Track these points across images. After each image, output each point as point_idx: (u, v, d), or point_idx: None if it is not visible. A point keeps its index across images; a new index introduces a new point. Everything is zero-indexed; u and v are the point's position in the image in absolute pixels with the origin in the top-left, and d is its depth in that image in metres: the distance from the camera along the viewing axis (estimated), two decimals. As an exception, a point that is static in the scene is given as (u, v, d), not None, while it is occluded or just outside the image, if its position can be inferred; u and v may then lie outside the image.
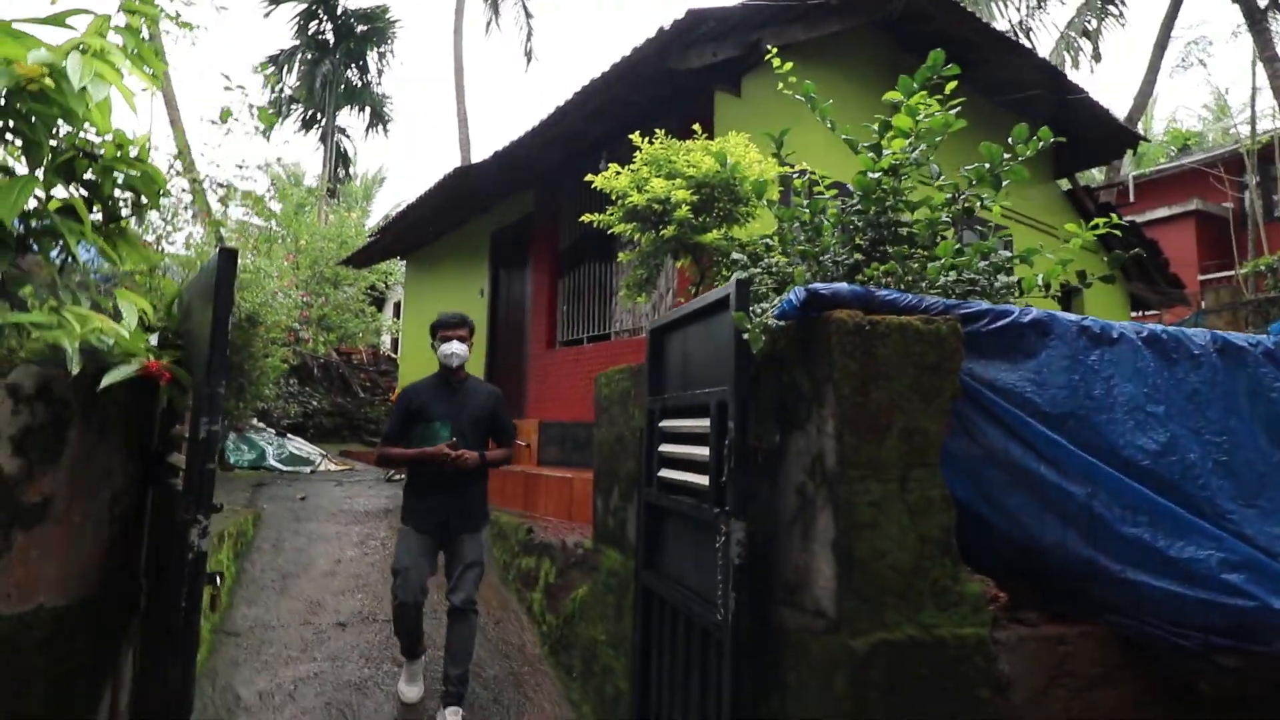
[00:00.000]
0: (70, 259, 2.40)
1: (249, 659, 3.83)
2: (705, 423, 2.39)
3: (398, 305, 17.26)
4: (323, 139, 18.37)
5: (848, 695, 1.89)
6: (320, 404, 12.42)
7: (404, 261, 12.08)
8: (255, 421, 8.87)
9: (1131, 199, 14.41)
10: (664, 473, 2.78)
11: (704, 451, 2.41)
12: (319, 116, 19.23)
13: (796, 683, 2.09)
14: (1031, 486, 2.15)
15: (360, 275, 14.36)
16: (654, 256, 3.63)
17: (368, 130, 19.32)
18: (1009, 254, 2.69)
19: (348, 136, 19.84)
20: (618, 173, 3.74)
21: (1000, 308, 2.26)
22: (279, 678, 3.68)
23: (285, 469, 7.84)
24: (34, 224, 2.32)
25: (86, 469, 2.14)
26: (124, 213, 2.65)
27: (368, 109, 19.09)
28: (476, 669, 3.90)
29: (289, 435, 8.50)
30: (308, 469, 7.96)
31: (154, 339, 2.43)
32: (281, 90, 17.75)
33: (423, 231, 9.41)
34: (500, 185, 7.57)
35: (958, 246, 2.37)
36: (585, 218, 3.71)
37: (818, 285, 2.11)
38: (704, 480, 2.38)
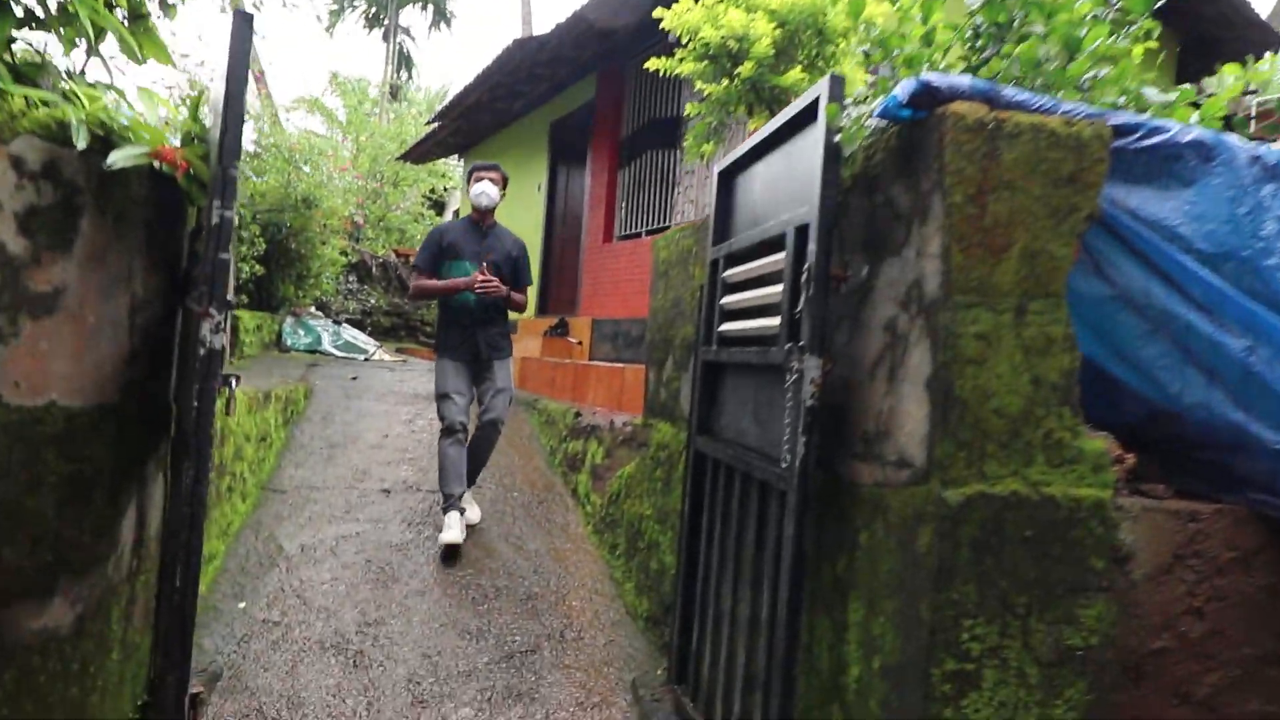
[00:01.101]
0: (91, 46, 2.19)
1: (293, 514, 3.80)
2: (778, 258, 2.08)
3: (456, 212, 17.16)
4: (385, 37, 17.97)
5: (932, 553, 1.62)
6: (378, 303, 12.50)
7: (461, 161, 11.81)
8: (313, 309, 8.92)
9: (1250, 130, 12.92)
10: (726, 326, 2.50)
11: (775, 290, 2.11)
12: (381, 16, 18.79)
13: (870, 542, 1.83)
14: (1174, 336, 1.78)
15: (419, 178, 14.20)
16: (726, 104, 3.24)
17: (430, 28, 18.81)
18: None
19: (410, 37, 19.39)
20: (689, 8, 3.32)
21: (1155, 122, 1.84)
22: (321, 534, 3.65)
23: (340, 354, 7.88)
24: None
25: (101, 266, 1.98)
26: (149, 8, 2.42)
27: (430, 6, 18.53)
28: (517, 542, 3.80)
29: (345, 324, 8.53)
30: (361, 357, 7.98)
31: (177, 140, 2.23)
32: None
33: (480, 123, 9.07)
34: (562, 65, 7.14)
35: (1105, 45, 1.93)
36: (651, 63, 3.33)
37: (930, 75, 1.73)
38: (773, 323, 2.09)
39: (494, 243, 3.75)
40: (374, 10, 18.33)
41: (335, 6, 18.74)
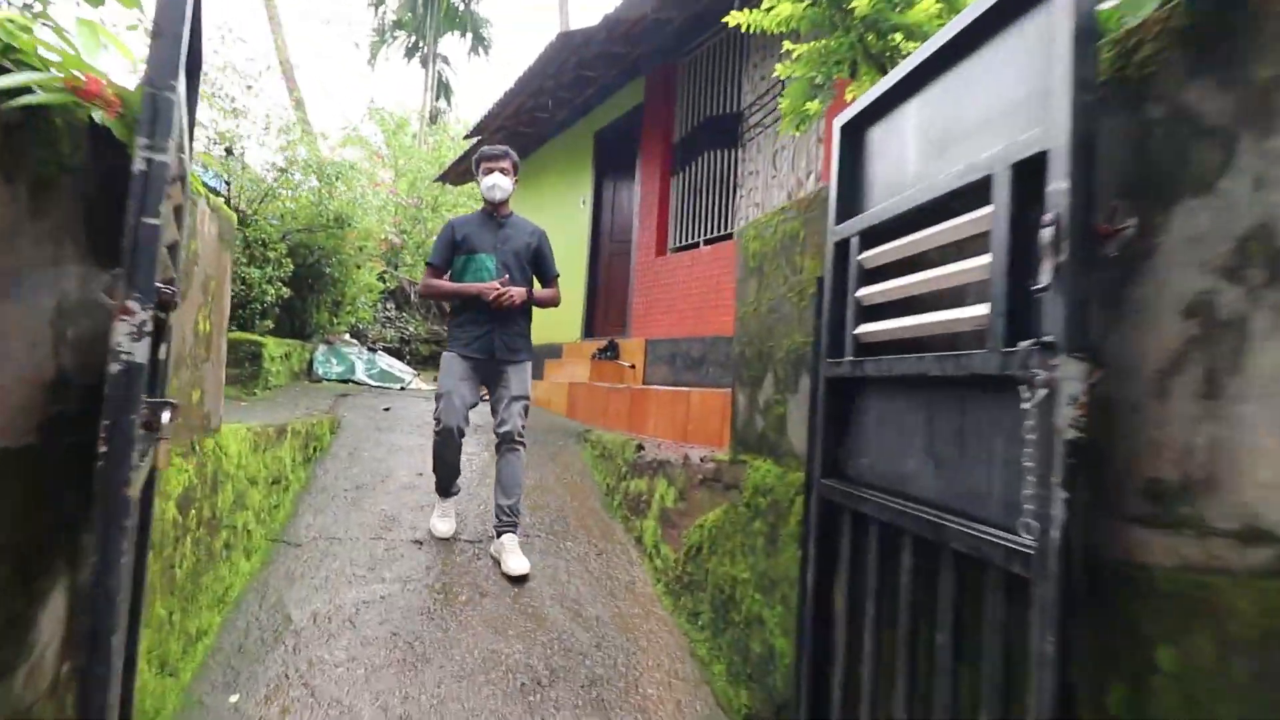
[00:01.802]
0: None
1: (307, 573, 3.18)
2: (977, 216, 1.39)
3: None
4: (423, 63, 17.91)
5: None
6: (417, 330, 12.08)
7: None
8: (347, 337, 8.46)
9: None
10: (867, 328, 1.80)
11: (970, 266, 1.41)
12: (420, 45, 18.77)
13: (1181, 666, 1.10)
14: None
15: (460, 202, 13.87)
16: (830, 59, 2.57)
17: (470, 53, 18.72)
18: None
19: (449, 64, 19.33)
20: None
21: None
22: (339, 599, 3.01)
23: (375, 384, 7.36)
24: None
25: (8, 251, 1.38)
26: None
27: (469, 33, 18.45)
28: (574, 606, 3.12)
29: (381, 352, 8.04)
30: (397, 386, 7.45)
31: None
32: (384, 13, 17.30)
33: (520, 136, 8.59)
34: (608, 65, 6.60)
35: None
36: (732, 17, 2.70)
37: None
38: (972, 313, 1.39)
39: (511, 233, 3.45)
40: (413, 39, 18.33)
41: (376, 38, 18.83)
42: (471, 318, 3.32)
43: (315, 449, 4.42)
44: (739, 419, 2.75)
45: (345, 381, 7.28)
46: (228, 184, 5.68)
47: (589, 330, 7.90)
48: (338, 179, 6.67)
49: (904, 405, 1.66)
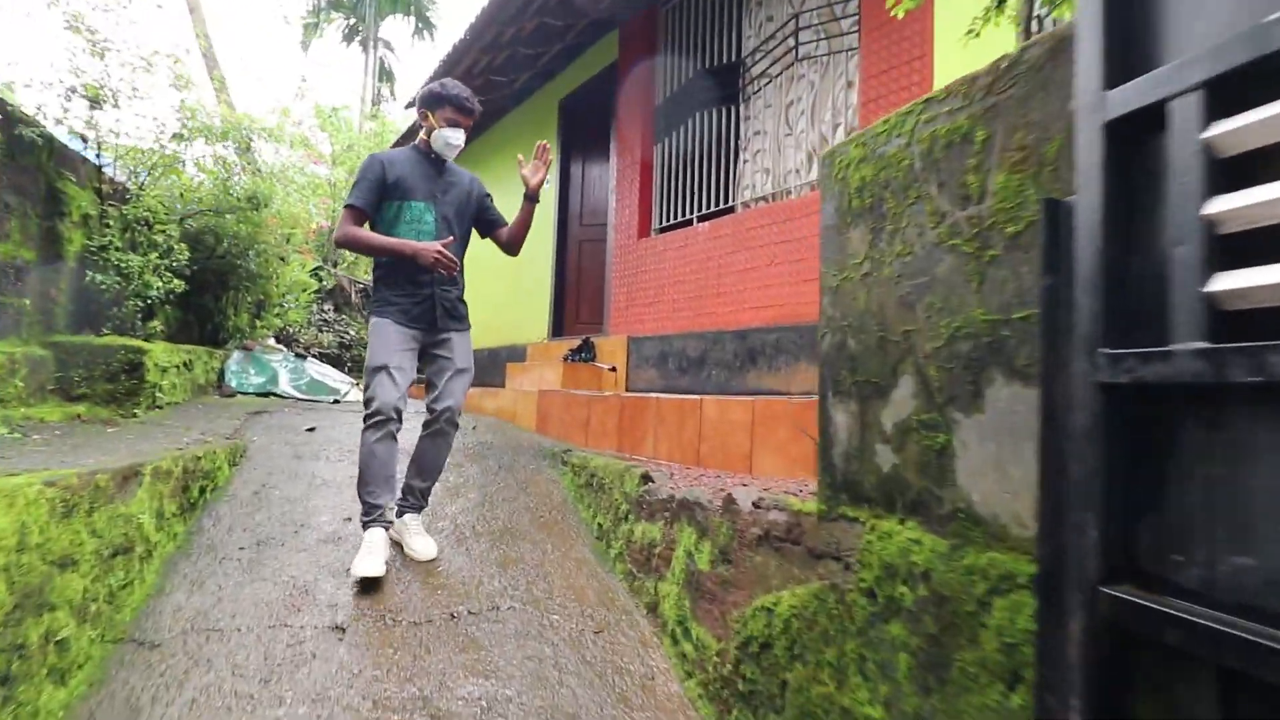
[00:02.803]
0: None
1: (162, 697, 2.07)
2: None
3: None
4: (364, 46, 16.53)
5: None
6: (360, 334, 10.80)
7: (452, 165, 10.18)
8: (272, 342, 7.22)
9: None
10: (1241, 279, 0.82)
11: None
12: (359, 27, 17.39)
13: None
14: None
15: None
16: None
17: (413, 37, 17.37)
18: None
19: (391, 49, 17.96)
20: None
21: None
22: (206, 744, 1.92)
23: (302, 397, 6.16)
24: None
25: None
26: None
27: (412, 13, 17.12)
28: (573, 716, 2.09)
29: (311, 358, 6.83)
30: (329, 399, 6.26)
31: None
32: (317, -9, 15.87)
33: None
34: (575, 12, 5.56)
35: None
36: None
37: None
38: None
39: (452, 180, 2.91)
40: (352, 21, 16.93)
41: (312, 20, 17.35)
42: (409, 276, 2.78)
43: (204, 490, 3.27)
44: (836, 449, 1.75)
45: (265, 395, 6.07)
46: (97, 150, 4.45)
47: (558, 329, 6.84)
48: (252, 141, 5.45)
49: None
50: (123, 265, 4.34)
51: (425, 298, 2.80)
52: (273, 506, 3.36)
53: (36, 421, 3.67)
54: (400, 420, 2.72)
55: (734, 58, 4.93)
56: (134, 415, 4.22)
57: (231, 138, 5.29)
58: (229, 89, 12.05)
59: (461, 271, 2.96)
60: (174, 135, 5.04)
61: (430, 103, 2.79)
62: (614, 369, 5.50)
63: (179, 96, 4.95)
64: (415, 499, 3.00)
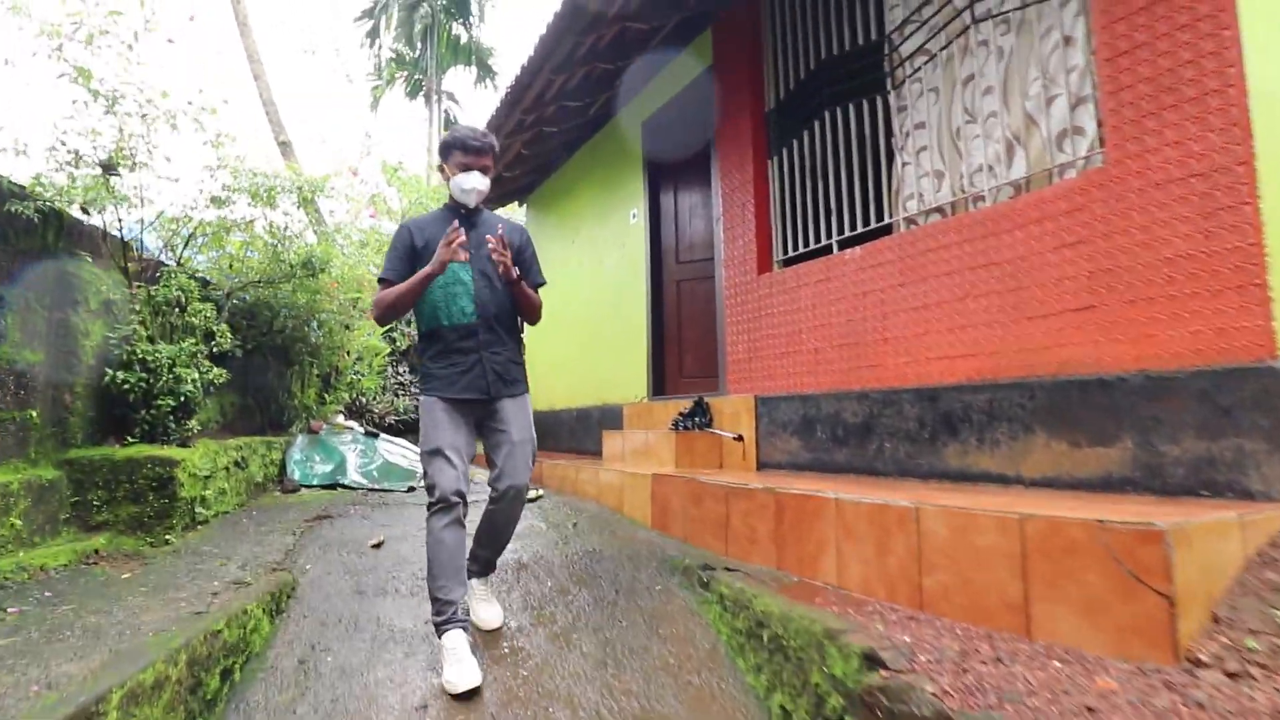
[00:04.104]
0: None
1: None
2: None
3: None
4: (426, 98, 16.31)
5: None
6: (437, 396, 10.13)
7: (523, 207, 9.45)
8: (341, 419, 6.48)
9: None
10: None
11: None
12: (422, 83, 17.26)
13: None
14: None
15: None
16: None
17: (476, 84, 17.10)
18: None
19: (455, 101, 17.75)
20: None
21: None
22: None
23: (373, 487, 5.32)
24: None
25: None
26: None
27: (474, 63, 16.86)
28: None
29: (382, 435, 6.05)
30: (403, 486, 5.39)
31: None
32: (379, 48, 15.78)
33: (540, 143, 6.66)
34: (658, 13, 4.64)
35: None
36: None
37: None
38: None
39: (485, 232, 2.62)
40: (416, 78, 16.82)
41: (375, 78, 17.36)
42: (452, 345, 2.60)
43: (228, 674, 2.36)
44: None
45: (332, 486, 5.26)
46: (119, 223, 3.74)
47: (658, 386, 5.82)
48: (314, 197, 4.71)
49: None
50: (149, 359, 3.59)
51: (472, 364, 2.57)
52: (322, 689, 2.41)
53: (34, 571, 2.88)
54: (465, 503, 2.50)
55: (873, 36, 3.87)
56: (166, 542, 3.41)
57: (279, 196, 4.56)
58: (294, 151, 11.81)
59: (513, 331, 2.70)
60: (213, 199, 4.35)
61: (442, 154, 2.68)
62: (740, 438, 4.43)
63: (216, 152, 4.24)
64: (481, 566, 2.83)
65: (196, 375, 3.77)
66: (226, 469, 4.17)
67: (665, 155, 5.84)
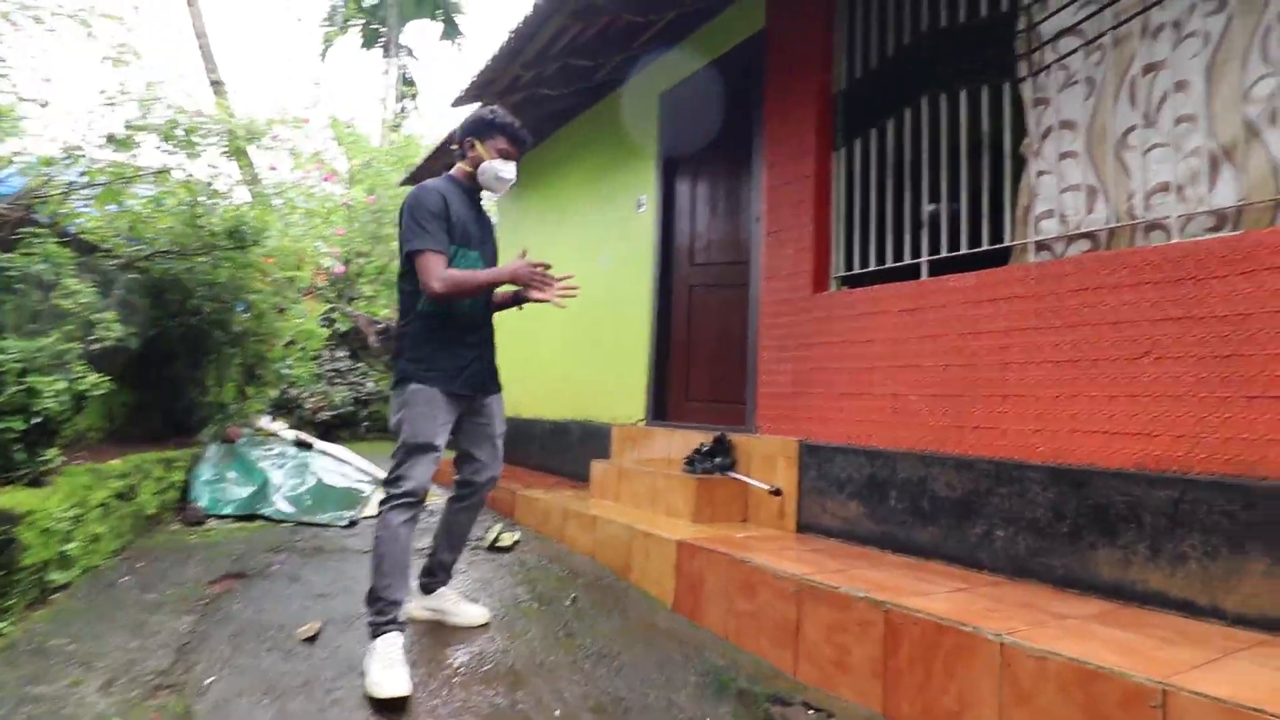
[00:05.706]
0: None
1: None
2: None
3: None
4: (386, 49, 14.85)
5: None
6: (380, 385, 8.92)
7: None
8: (267, 421, 5.36)
9: None
10: None
11: None
12: (379, 33, 15.77)
13: None
14: None
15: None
16: None
17: (441, 39, 15.68)
18: None
19: (414, 57, 16.29)
20: None
21: None
22: None
23: (305, 521, 4.23)
24: None
25: None
26: None
27: (441, 18, 15.45)
28: None
29: (316, 445, 4.95)
30: (343, 519, 4.33)
31: None
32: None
33: (537, 105, 5.62)
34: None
35: None
36: None
37: None
38: None
39: (489, 225, 2.72)
40: (372, 26, 15.28)
41: (330, 26, 15.72)
42: (455, 336, 2.54)
43: None
44: None
45: (250, 518, 4.16)
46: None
47: (659, 408, 4.93)
48: (248, 146, 3.61)
49: None
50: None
51: (474, 358, 2.59)
52: None
53: None
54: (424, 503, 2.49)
55: (1002, 7, 3.06)
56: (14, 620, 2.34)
57: (203, 141, 3.44)
58: (227, 92, 10.34)
59: (490, 327, 2.74)
60: (110, 137, 3.22)
61: (479, 130, 2.57)
62: (779, 492, 3.59)
63: (117, 75, 3.12)
64: (446, 574, 2.82)
65: (64, 385, 2.68)
66: (104, 505, 3.08)
67: (686, 136, 4.93)
